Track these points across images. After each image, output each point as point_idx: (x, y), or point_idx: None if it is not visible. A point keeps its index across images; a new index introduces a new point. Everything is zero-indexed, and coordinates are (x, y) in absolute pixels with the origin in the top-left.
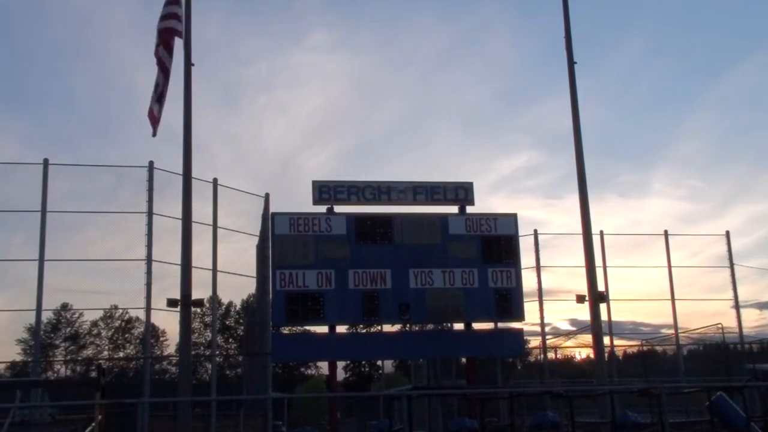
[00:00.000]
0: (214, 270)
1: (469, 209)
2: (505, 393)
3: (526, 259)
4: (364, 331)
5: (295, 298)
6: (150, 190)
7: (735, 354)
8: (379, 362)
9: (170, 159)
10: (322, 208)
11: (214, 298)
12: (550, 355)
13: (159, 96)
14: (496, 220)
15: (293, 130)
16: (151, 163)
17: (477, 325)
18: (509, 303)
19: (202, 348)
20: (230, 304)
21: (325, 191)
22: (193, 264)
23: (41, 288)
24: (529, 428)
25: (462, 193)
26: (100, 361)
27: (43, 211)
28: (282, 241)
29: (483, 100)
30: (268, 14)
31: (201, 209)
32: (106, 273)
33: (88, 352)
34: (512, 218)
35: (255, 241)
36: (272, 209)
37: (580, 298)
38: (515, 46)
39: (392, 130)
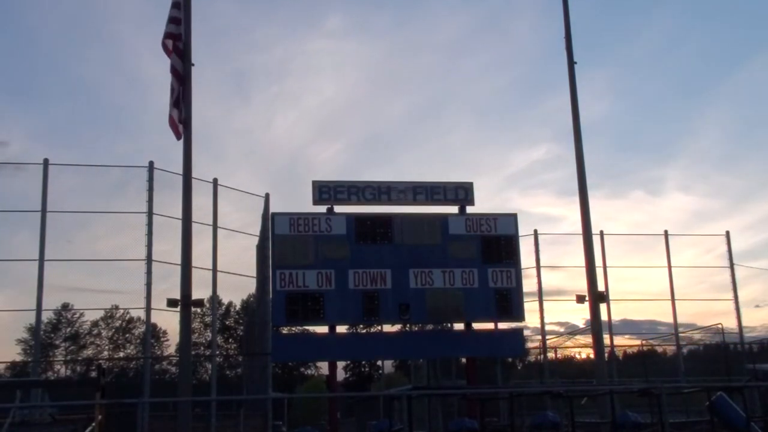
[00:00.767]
0: (214, 270)
1: (470, 209)
2: (505, 393)
3: (543, 257)
4: (364, 331)
5: (295, 298)
6: (150, 190)
7: (735, 354)
8: (379, 362)
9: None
10: (322, 208)
11: (214, 298)
12: (550, 355)
13: (176, 101)
14: (496, 220)
15: (304, 122)
16: (151, 163)
17: (477, 325)
18: (509, 303)
19: (202, 348)
20: (230, 304)
21: (325, 191)
22: (193, 264)
23: (41, 288)
24: (529, 428)
25: (462, 193)
26: (101, 361)
27: (43, 211)
28: (282, 241)
29: (502, 88)
30: None
31: (202, 208)
32: (106, 273)
33: (89, 352)
34: (512, 218)
35: (255, 241)
36: (281, 205)
37: (580, 298)
38: (538, 31)
39: (405, 122)
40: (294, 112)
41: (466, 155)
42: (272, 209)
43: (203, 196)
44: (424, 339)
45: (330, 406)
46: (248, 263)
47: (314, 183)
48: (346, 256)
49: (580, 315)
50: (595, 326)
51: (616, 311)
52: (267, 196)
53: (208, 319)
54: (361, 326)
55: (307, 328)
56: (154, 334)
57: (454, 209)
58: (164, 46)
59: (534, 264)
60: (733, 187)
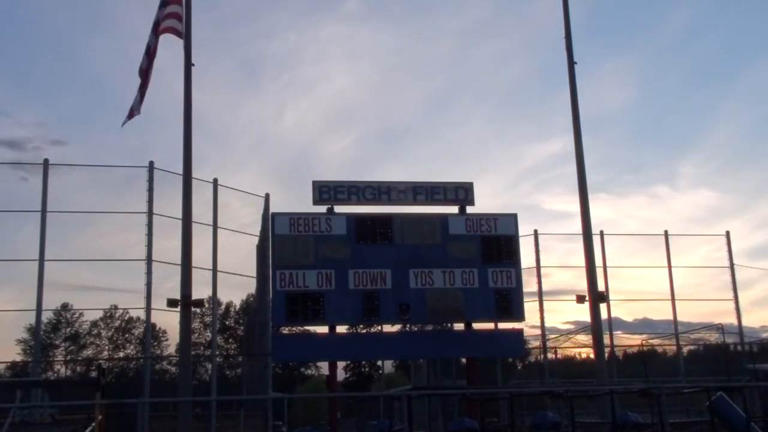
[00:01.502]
0: (214, 270)
1: (470, 209)
2: (505, 393)
3: (554, 255)
4: (364, 331)
5: (295, 298)
6: (150, 190)
7: (735, 354)
8: (379, 362)
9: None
10: (323, 208)
11: (214, 298)
12: (550, 355)
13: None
14: (496, 220)
15: (315, 113)
16: (151, 163)
17: (477, 325)
18: (509, 303)
19: (202, 348)
20: (230, 304)
21: (325, 191)
22: (193, 264)
23: (41, 288)
24: (529, 428)
25: (462, 193)
26: (100, 361)
27: (43, 211)
28: (282, 241)
29: (522, 76)
30: None
31: (202, 207)
32: (107, 273)
33: (88, 352)
34: (512, 218)
35: (255, 241)
36: (288, 200)
37: (581, 298)
38: (558, 16)
39: (417, 113)
40: (306, 102)
41: (479, 148)
42: (280, 205)
43: (203, 196)
44: (424, 339)
45: (330, 406)
46: (248, 263)
47: (314, 183)
48: (346, 256)
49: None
50: (596, 326)
51: (636, 311)
52: (267, 196)
53: (208, 319)
54: (361, 326)
55: (307, 328)
56: (154, 334)
57: (454, 209)
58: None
59: (546, 264)
60: (749, 182)
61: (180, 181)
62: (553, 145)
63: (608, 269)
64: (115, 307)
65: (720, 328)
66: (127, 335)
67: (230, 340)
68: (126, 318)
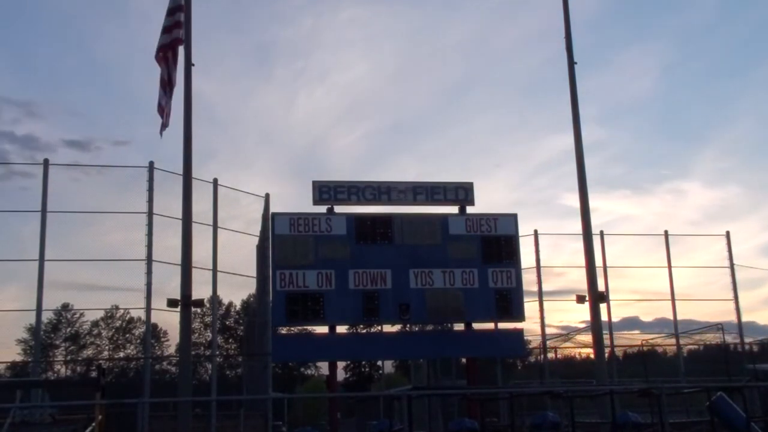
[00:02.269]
0: (214, 270)
1: (469, 209)
2: (506, 393)
3: (566, 253)
4: (365, 331)
5: (295, 298)
6: (150, 190)
7: (735, 354)
8: (379, 362)
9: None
10: (323, 208)
11: (214, 298)
12: (550, 355)
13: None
14: (496, 220)
15: (327, 103)
16: (151, 164)
17: (477, 326)
18: (509, 303)
19: (202, 348)
20: (230, 304)
21: (325, 191)
22: (193, 264)
23: (41, 288)
24: (529, 428)
25: (462, 193)
26: (101, 361)
27: (43, 211)
28: (282, 241)
29: (543, 62)
30: None
31: (201, 206)
32: (107, 273)
33: (89, 352)
34: (512, 218)
35: (255, 241)
36: (297, 196)
37: (581, 298)
38: None
39: (432, 104)
40: (320, 90)
41: (494, 141)
42: (288, 199)
43: (205, 196)
44: (425, 339)
45: (330, 406)
46: (248, 263)
47: (314, 183)
48: (346, 256)
49: (616, 313)
50: (596, 326)
51: (653, 310)
52: (267, 196)
53: (208, 319)
54: (361, 326)
55: (307, 328)
56: (154, 334)
57: (454, 209)
58: (158, 57)
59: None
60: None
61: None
62: (571, 137)
63: (618, 269)
64: (116, 308)
65: (720, 328)
66: (127, 335)
67: (230, 340)
68: (126, 318)
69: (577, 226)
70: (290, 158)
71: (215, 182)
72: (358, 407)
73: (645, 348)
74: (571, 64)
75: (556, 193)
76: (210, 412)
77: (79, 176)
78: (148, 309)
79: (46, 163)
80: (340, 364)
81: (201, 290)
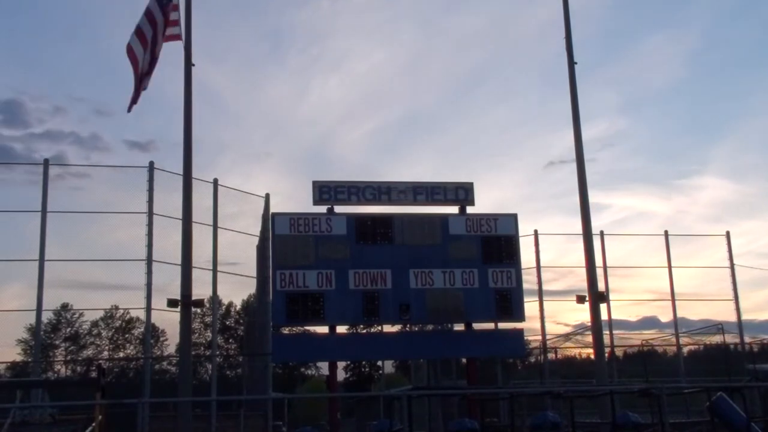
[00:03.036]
0: (214, 270)
1: (469, 209)
2: (506, 393)
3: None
4: (365, 331)
5: (296, 299)
6: (150, 190)
7: (735, 354)
8: (379, 362)
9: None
10: (323, 209)
11: (214, 298)
12: (551, 355)
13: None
14: (496, 220)
15: (340, 93)
16: (151, 164)
17: (477, 326)
18: (509, 303)
19: (202, 348)
20: (230, 304)
21: (325, 191)
22: (194, 264)
23: (41, 288)
24: (529, 428)
25: (462, 193)
26: (100, 362)
27: (44, 211)
28: (282, 241)
29: (561, 50)
30: None
31: (202, 205)
32: (107, 273)
33: (89, 352)
34: (512, 218)
35: (255, 241)
36: (308, 188)
37: (581, 299)
38: None
39: (448, 94)
40: (334, 79)
41: (511, 132)
42: (295, 195)
43: (205, 194)
44: (425, 339)
45: (330, 406)
46: (248, 263)
47: (314, 183)
48: (346, 256)
49: (633, 311)
50: (596, 326)
51: (669, 310)
52: (267, 197)
53: (208, 319)
54: (362, 326)
55: (307, 328)
56: (154, 334)
57: (454, 209)
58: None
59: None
60: None
61: (179, 181)
62: (593, 128)
63: (626, 269)
64: (116, 308)
65: (720, 328)
66: (127, 335)
67: (230, 340)
68: (126, 318)
69: (597, 222)
70: (300, 152)
71: (215, 182)
72: (358, 407)
73: (645, 348)
74: (571, 64)
75: (571, 188)
76: (210, 412)
77: (89, 174)
78: (148, 309)
79: (46, 163)
80: (340, 364)
81: (201, 290)
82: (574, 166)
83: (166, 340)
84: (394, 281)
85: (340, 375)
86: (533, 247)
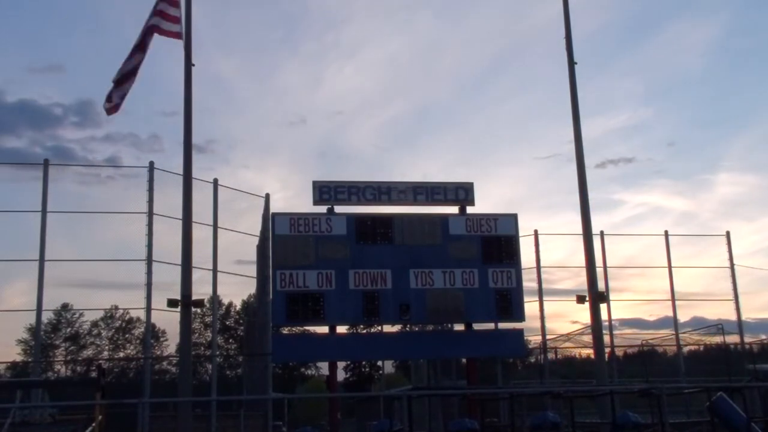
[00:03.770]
0: (215, 270)
1: (469, 209)
2: (506, 393)
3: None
4: (365, 331)
5: (296, 299)
6: (150, 190)
7: (735, 354)
8: (379, 362)
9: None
10: (323, 209)
11: (214, 298)
12: (551, 355)
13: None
14: (496, 220)
15: (356, 83)
16: (151, 164)
17: (477, 326)
18: (509, 303)
19: (202, 348)
20: (230, 304)
21: (325, 191)
22: (194, 264)
23: (41, 288)
24: (529, 428)
25: (462, 193)
26: (101, 362)
27: (44, 211)
28: (282, 241)
29: (591, 33)
30: None
31: (202, 205)
32: (107, 272)
33: (89, 352)
34: (512, 218)
35: (255, 241)
36: (317, 186)
37: (581, 299)
38: None
39: (465, 84)
40: (350, 67)
41: (527, 123)
42: (301, 192)
43: (204, 196)
44: (425, 339)
45: (330, 406)
46: (248, 263)
47: (314, 183)
48: (346, 256)
49: (648, 310)
50: (596, 326)
51: (690, 310)
52: (267, 197)
53: (208, 319)
54: (362, 326)
55: (307, 328)
56: (154, 334)
57: (454, 209)
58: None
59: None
60: None
61: (179, 181)
62: (613, 119)
63: (629, 269)
64: (116, 308)
65: (720, 328)
66: (127, 335)
67: (230, 340)
68: (126, 318)
69: (610, 219)
70: (312, 145)
71: (215, 182)
72: (358, 407)
73: (645, 348)
74: (571, 64)
75: (597, 183)
76: (210, 412)
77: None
78: (148, 309)
79: (46, 164)
80: (340, 364)
81: (201, 290)
82: (590, 161)
83: (166, 340)
84: (394, 281)
85: (340, 375)
86: (540, 245)
